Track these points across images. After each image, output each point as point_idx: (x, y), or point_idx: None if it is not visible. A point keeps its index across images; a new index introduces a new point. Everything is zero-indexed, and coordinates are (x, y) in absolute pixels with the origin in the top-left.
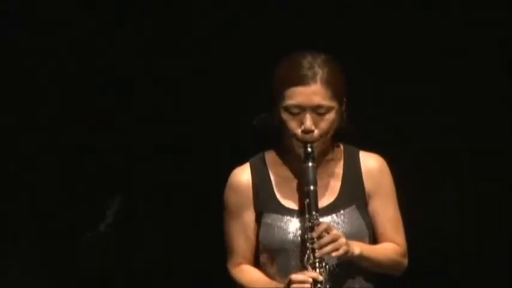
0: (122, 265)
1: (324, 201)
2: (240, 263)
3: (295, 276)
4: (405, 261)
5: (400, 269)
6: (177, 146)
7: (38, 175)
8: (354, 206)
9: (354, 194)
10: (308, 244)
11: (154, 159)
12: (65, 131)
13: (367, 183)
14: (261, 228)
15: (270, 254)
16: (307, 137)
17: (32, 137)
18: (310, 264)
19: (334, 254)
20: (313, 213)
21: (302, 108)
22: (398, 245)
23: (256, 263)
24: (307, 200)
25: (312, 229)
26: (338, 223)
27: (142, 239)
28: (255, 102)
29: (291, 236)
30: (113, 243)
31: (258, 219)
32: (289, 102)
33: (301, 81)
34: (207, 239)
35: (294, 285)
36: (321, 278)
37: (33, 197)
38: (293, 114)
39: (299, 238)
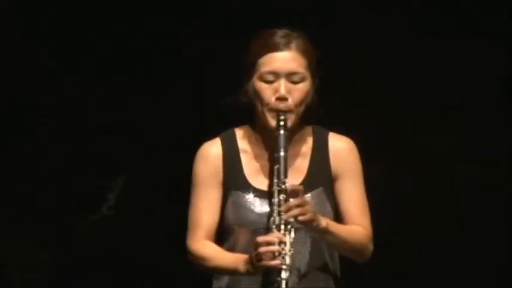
0: (122, 247)
1: (291, 182)
2: (203, 238)
3: (261, 237)
4: (371, 246)
5: (365, 254)
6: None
7: (39, 157)
8: (321, 188)
9: (321, 175)
10: (275, 207)
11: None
12: (69, 111)
13: (334, 164)
14: (227, 206)
15: (235, 231)
16: (281, 105)
17: (35, 117)
18: (276, 226)
19: (300, 218)
20: (281, 177)
21: (277, 75)
22: (364, 228)
23: (217, 241)
24: (277, 165)
25: (280, 192)
26: None
27: (143, 224)
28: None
29: (256, 216)
30: (113, 226)
31: (225, 195)
32: (265, 69)
33: (276, 47)
34: None
35: (261, 248)
36: (285, 239)
37: (34, 176)
38: (268, 83)
39: (265, 218)
